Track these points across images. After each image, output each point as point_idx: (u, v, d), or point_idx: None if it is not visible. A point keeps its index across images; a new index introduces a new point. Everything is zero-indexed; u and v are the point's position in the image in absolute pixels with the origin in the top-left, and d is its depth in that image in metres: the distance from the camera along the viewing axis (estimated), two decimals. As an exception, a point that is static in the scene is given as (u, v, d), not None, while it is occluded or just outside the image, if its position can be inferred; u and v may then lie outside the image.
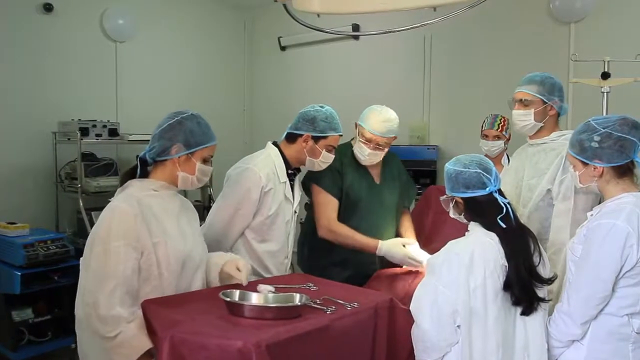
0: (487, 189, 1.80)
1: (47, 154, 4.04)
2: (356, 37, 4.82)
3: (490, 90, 3.99)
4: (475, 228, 1.83)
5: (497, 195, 1.80)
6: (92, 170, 3.96)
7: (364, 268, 2.55)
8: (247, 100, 5.65)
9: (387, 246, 2.45)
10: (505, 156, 3.24)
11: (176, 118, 1.87)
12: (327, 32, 2.23)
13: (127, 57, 4.59)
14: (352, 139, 2.68)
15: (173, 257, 1.79)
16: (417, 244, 2.54)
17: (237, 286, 1.85)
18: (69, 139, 3.92)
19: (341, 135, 2.44)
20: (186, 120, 1.87)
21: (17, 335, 3.39)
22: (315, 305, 1.70)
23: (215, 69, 5.32)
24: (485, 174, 1.80)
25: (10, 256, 3.36)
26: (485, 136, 3.17)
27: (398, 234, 2.66)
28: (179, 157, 1.85)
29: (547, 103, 2.20)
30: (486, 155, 3.16)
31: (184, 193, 2.20)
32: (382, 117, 2.51)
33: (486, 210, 1.79)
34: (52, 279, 3.44)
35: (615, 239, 1.66)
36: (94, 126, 3.95)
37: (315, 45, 5.09)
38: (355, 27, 4.58)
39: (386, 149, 2.58)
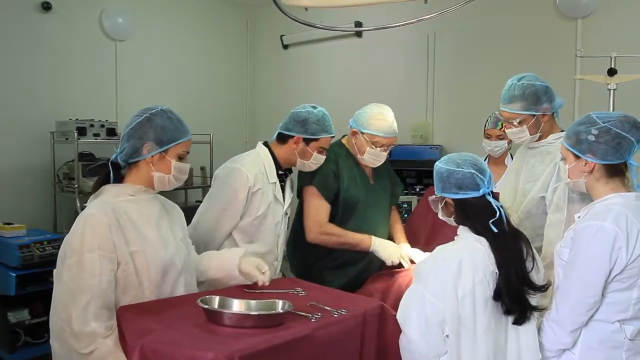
0: (480, 190, 1.71)
1: (45, 153, 4.02)
2: (359, 35, 4.74)
3: (495, 88, 3.82)
4: (464, 232, 1.74)
5: (490, 198, 1.72)
6: (89, 170, 3.91)
7: (362, 273, 2.47)
8: (249, 99, 5.60)
9: (380, 242, 2.42)
10: (508, 156, 3.15)
11: (145, 115, 1.76)
12: (318, 27, 2.16)
13: (126, 56, 4.56)
14: (342, 137, 2.61)
15: (153, 265, 1.71)
16: (408, 245, 2.49)
17: (226, 291, 1.78)
18: (66, 139, 3.89)
19: (333, 137, 2.39)
20: (155, 116, 1.76)
21: (13, 337, 3.37)
22: (300, 313, 1.63)
23: (216, 68, 5.27)
24: (479, 174, 1.71)
25: (6, 257, 3.34)
26: (488, 136, 3.08)
27: (390, 236, 2.58)
28: (152, 157, 1.75)
29: (537, 114, 2.09)
30: (489, 156, 3.11)
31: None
32: (385, 116, 2.43)
33: (478, 213, 1.70)
34: (48, 280, 3.39)
35: (603, 241, 1.58)
36: (92, 126, 3.92)
37: (317, 43, 5.02)
38: (358, 25, 4.47)
39: None
